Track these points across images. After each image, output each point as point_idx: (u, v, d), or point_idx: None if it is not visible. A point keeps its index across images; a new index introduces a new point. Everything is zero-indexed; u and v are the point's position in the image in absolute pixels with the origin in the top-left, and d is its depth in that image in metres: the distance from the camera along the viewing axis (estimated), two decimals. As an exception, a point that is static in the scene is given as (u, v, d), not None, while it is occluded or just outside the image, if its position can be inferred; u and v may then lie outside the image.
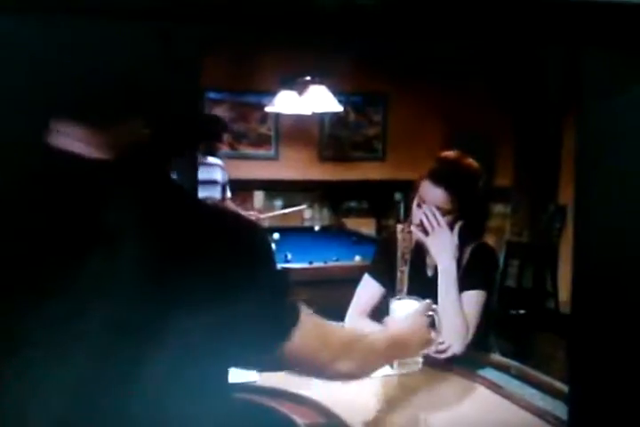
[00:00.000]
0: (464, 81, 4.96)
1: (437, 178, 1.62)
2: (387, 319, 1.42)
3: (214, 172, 3.79)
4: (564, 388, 1.28)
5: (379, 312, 1.68)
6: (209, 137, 3.74)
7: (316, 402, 1.31)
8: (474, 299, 1.61)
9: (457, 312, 1.57)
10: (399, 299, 1.50)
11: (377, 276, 1.77)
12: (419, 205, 1.65)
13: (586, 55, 0.79)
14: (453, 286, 1.59)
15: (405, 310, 1.42)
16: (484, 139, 4.95)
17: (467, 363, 1.54)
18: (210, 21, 0.64)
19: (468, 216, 1.65)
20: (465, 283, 1.63)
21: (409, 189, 1.77)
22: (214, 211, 0.85)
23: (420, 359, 1.47)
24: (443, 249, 1.62)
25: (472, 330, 1.58)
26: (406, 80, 5.15)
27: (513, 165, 4.97)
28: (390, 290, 1.75)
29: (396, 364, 1.45)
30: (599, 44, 0.74)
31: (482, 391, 1.42)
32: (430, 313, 1.32)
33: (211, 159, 3.80)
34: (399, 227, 1.80)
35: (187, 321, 0.73)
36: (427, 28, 0.68)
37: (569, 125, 4.37)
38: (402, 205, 4.86)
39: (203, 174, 3.28)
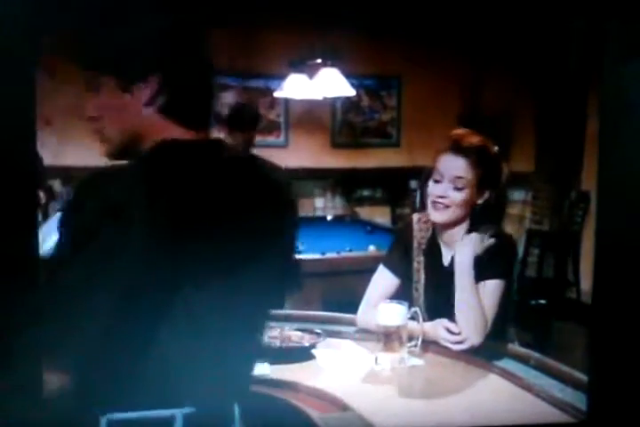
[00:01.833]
0: (482, 61, 4.93)
1: (458, 148, 1.67)
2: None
3: None
4: (585, 379, 1.30)
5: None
6: (242, 127, 3.80)
7: (330, 394, 1.34)
8: (492, 289, 1.63)
9: (474, 304, 1.60)
10: (388, 302, 1.58)
11: (392, 267, 1.79)
12: (436, 181, 1.68)
13: (609, 24, 0.80)
14: (469, 278, 1.62)
15: (389, 313, 1.52)
16: (503, 123, 4.93)
17: (486, 354, 1.56)
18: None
19: (484, 189, 1.68)
20: (483, 272, 1.65)
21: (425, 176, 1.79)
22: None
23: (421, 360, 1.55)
24: (466, 240, 1.66)
25: (490, 321, 1.60)
26: (421, 61, 5.13)
27: (534, 149, 4.95)
28: (405, 281, 1.78)
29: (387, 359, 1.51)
30: (622, 14, 0.75)
31: (501, 382, 1.44)
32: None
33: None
34: (415, 216, 1.82)
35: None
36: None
37: (593, 108, 4.35)
38: (418, 194, 4.87)
39: None
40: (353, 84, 3.99)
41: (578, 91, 4.50)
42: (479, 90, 5.19)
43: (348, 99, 4.94)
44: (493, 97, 5.11)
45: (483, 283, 1.63)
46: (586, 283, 4.40)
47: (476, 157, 1.67)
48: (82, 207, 0.85)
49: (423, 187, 1.78)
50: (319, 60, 3.76)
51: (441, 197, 1.66)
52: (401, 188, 5.20)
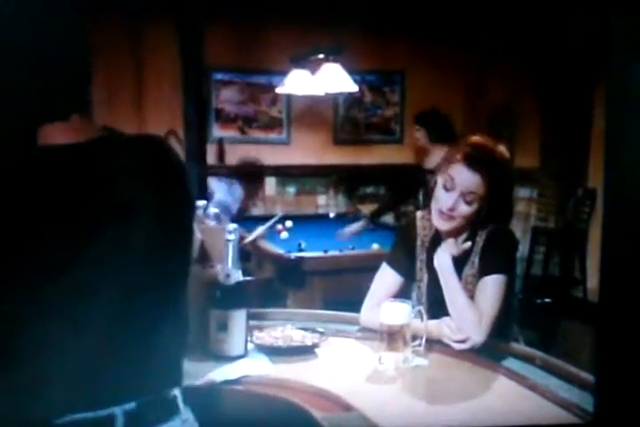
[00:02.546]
0: (487, 57, 4.92)
1: (474, 163, 1.65)
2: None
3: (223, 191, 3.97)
4: (591, 379, 1.30)
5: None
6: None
7: (333, 394, 1.34)
8: (492, 284, 1.63)
9: (463, 304, 1.60)
10: (392, 301, 1.57)
11: (395, 265, 1.79)
12: (446, 189, 1.66)
13: (615, 21, 0.80)
14: (454, 280, 1.64)
15: (393, 311, 1.52)
16: (508, 118, 4.92)
17: (490, 353, 1.56)
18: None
19: (494, 204, 1.68)
20: (483, 268, 1.65)
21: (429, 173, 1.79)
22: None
23: (426, 360, 1.54)
24: (443, 246, 1.69)
25: (490, 317, 1.59)
26: (424, 57, 5.13)
27: (539, 145, 4.94)
28: (409, 279, 1.78)
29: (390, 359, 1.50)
30: (629, 11, 0.75)
31: (506, 382, 1.44)
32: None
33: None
34: (419, 214, 1.82)
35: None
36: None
37: (599, 103, 4.34)
38: (421, 191, 4.86)
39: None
40: (355, 80, 3.98)
41: (584, 87, 4.49)
42: (483, 86, 5.17)
43: (350, 95, 4.94)
44: (498, 92, 5.09)
45: (483, 279, 1.64)
46: (592, 281, 4.40)
47: (492, 173, 1.66)
48: None
49: (428, 186, 1.78)
50: (321, 56, 3.76)
51: (450, 209, 1.66)
52: (404, 185, 5.19)
